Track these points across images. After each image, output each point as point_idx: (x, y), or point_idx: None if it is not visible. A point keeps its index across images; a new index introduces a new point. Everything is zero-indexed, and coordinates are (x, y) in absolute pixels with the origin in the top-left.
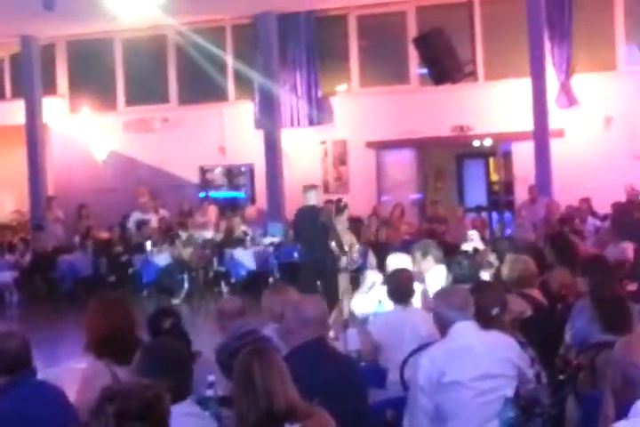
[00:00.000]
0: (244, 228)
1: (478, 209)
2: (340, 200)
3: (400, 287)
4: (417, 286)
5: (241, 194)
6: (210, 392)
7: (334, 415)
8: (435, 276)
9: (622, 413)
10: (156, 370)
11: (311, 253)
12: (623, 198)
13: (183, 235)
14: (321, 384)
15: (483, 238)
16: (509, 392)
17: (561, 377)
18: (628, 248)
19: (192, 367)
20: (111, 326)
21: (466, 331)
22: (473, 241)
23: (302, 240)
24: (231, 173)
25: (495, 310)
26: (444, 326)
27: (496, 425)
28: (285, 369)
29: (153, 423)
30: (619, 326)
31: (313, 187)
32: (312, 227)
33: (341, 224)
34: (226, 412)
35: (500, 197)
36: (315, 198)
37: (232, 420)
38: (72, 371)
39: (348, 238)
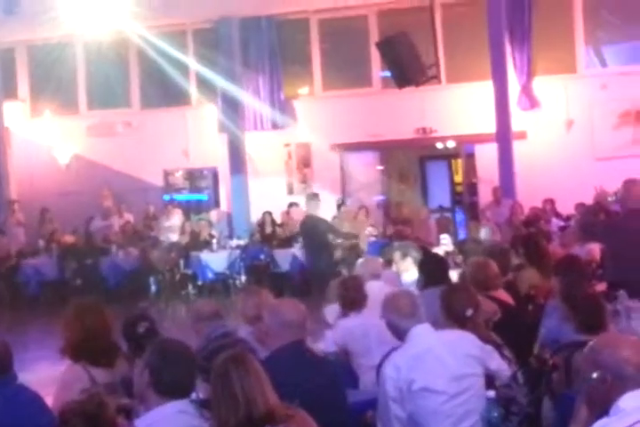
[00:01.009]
0: (213, 231)
1: (441, 209)
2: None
3: (349, 295)
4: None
5: (204, 197)
6: (192, 395)
7: (314, 417)
8: (412, 277)
9: (600, 412)
10: (165, 363)
11: (314, 262)
12: (586, 200)
13: (149, 238)
14: (301, 387)
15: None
16: (480, 390)
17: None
18: (595, 249)
19: (196, 367)
20: (87, 329)
21: (424, 334)
22: (445, 245)
23: (306, 249)
24: (192, 176)
25: (469, 312)
26: (398, 334)
27: (469, 424)
28: (263, 373)
29: None
30: (595, 326)
31: (314, 196)
32: (312, 236)
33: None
34: (207, 413)
35: (464, 199)
36: (314, 207)
37: (212, 424)
38: (44, 377)
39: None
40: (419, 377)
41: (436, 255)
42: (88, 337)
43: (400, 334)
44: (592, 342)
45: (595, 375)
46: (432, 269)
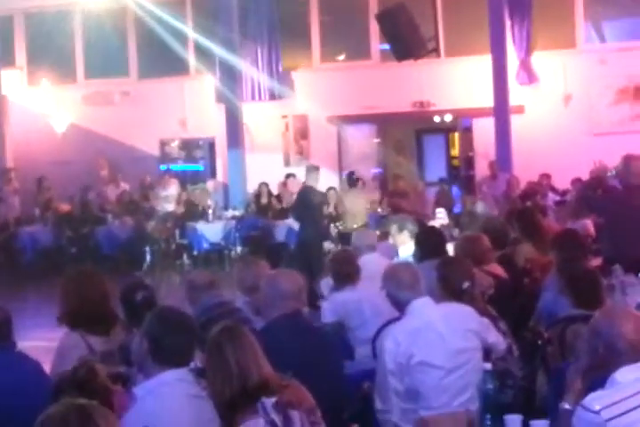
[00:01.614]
0: (209, 202)
1: (442, 182)
2: (352, 173)
3: (343, 269)
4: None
5: (199, 167)
6: (191, 364)
7: (311, 387)
8: (408, 250)
9: (592, 384)
10: (165, 331)
11: (302, 233)
12: (583, 175)
13: (145, 207)
14: (297, 357)
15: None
16: (478, 363)
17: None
18: (589, 224)
19: (197, 335)
20: (85, 297)
21: (424, 308)
22: (441, 219)
23: (299, 220)
24: (188, 146)
25: (466, 284)
26: (398, 306)
27: (466, 397)
28: (256, 345)
29: (94, 398)
30: (590, 301)
31: (314, 168)
32: (306, 207)
33: (354, 198)
34: (205, 382)
35: (460, 173)
36: (314, 179)
37: (208, 394)
38: (40, 344)
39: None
40: (418, 351)
41: (433, 228)
42: (86, 305)
43: (400, 305)
44: (597, 312)
45: (588, 347)
46: (429, 241)
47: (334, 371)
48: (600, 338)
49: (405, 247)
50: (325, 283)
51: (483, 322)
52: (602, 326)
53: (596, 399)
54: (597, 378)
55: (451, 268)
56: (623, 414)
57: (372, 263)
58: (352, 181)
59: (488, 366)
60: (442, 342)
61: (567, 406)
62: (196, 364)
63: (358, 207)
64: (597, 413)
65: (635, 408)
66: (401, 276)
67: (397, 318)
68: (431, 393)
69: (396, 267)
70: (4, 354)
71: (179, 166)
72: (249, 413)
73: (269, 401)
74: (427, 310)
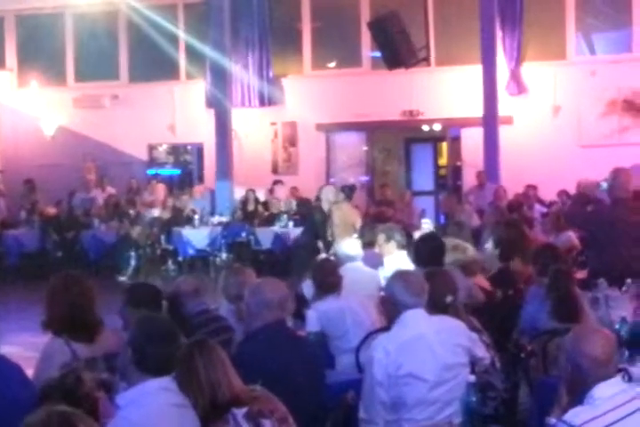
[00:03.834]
0: (195, 207)
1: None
2: (353, 187)
3: (326, 278)
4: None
5: (187, 172)
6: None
7: (293, 397)
8: (394, 261)
9: (575, 399)
10: (148, 340)
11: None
12: (569, 187)
13: (131, 212)
14: (280, 366)
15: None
16: (464, 378)
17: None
18: (572, 236)
19: (180, 344)
20: (71, 303)
21: (416, 319)
22: (426, 229)
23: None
24: (177, 151)
25: (449, 298)
26: (395, 310)
27: (451, 411)
28: (227, 359)
29: (80, 406)
30: (568, 316)
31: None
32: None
33: (347, 210)
34: None
35: (448, 182)
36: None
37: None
38: (23, 348)
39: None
40: (406, 363)
41: (431, 235)
42: (72, 311)
43: (397, 309)
44: (572, 330)
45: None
46: (422, 249)
47: (316, 381)
48: (568, 358)
49: (392, 258)
50: (307, 285)
51: (472, 337)
52: (568, 346)
53: (576, 415)
54: (581, 394)
55: (433, 281)
56: None
57: (353, 272)
58: (350, 193)
59: (472, 378)
60: (432, 356)
61: (553, 422)
62: None
63: (350, 220)
64: None
65: (614, 423)
66: (412, 280)
67: (384, 329)
68: (416, 406)
69: (408, 271)
70: None
71: (166, 171)
72: (220, 424)
73: (240, 412)
74: (420, 322)
